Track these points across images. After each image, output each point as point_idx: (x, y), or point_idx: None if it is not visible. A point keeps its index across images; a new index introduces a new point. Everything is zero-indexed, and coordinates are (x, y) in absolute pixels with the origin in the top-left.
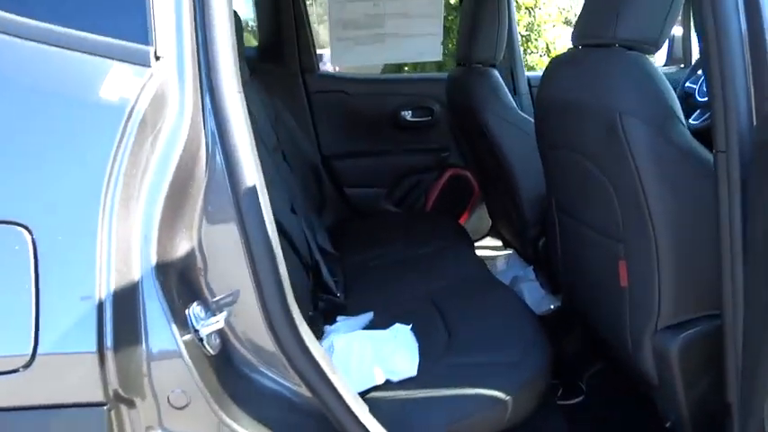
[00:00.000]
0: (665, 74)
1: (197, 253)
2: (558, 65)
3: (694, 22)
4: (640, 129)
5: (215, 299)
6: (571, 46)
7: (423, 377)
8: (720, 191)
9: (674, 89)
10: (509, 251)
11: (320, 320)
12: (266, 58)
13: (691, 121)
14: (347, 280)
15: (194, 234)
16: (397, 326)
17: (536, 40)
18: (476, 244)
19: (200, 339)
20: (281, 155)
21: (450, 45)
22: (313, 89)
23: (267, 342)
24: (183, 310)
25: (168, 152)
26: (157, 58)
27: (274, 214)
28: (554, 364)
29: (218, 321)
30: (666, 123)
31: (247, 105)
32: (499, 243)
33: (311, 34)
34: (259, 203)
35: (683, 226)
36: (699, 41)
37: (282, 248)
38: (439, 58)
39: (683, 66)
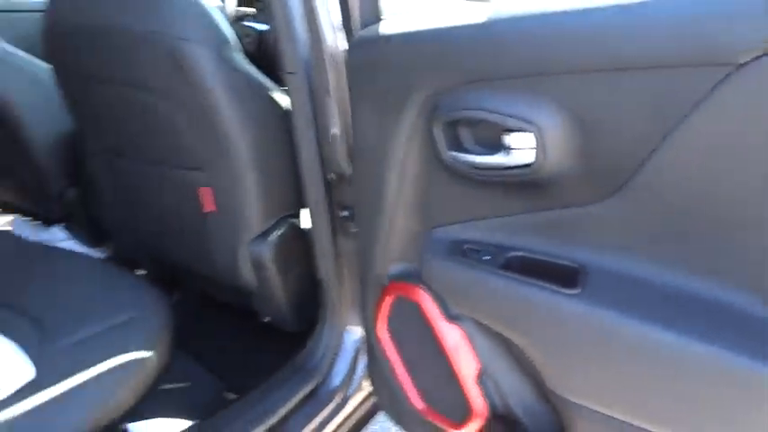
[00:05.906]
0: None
1: None
2: None
3: None
4: (203, 54)
5: None
6: None
7: (44, 373)
8: (295, 105)
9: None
10: (8, 217)
11: None
12: None
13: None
14: None
15: None
16: None
17: None
18: None
19: None
20: None
21: None
22: None
23: None
24: None
25: None
26: None
27: None
28: None
29: None
30: (224, 49)
31: None
32: None
33: None
34: None
35: (258, 142)
36: None
37: None
38: None
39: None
